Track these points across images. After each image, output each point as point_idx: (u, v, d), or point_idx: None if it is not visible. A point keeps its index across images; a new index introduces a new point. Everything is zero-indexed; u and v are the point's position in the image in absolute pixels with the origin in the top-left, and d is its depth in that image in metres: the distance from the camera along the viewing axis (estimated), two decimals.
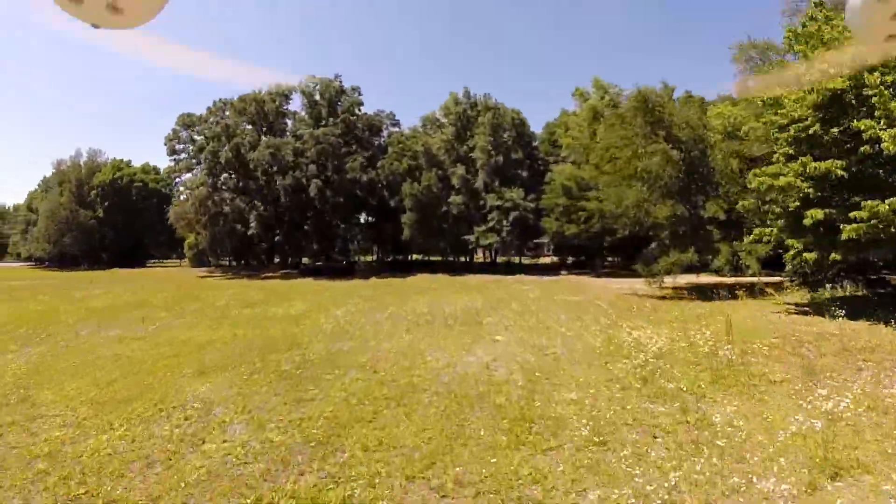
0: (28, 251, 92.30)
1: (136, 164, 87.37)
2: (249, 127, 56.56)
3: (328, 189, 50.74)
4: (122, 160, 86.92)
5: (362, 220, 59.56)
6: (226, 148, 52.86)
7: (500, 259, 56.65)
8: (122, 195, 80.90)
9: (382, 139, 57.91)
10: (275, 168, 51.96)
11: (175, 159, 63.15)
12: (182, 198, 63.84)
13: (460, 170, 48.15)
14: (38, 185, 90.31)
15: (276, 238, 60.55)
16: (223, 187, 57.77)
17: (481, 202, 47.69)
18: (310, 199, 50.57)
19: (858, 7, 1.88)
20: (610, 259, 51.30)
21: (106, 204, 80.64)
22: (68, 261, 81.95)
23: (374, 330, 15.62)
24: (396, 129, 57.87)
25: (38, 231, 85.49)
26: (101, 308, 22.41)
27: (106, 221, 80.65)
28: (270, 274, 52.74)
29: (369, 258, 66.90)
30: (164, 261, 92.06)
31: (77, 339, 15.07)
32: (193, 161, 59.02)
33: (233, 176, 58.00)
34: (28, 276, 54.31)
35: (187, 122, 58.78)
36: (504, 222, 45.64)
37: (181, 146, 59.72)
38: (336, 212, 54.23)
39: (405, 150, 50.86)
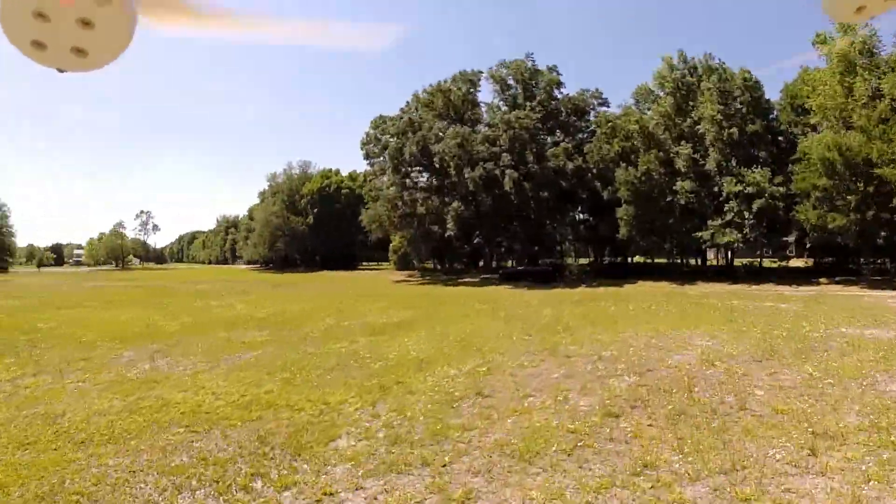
0: (248, 255, 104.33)
1: (345, 172, 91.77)
2: (443, 123, 53.60)
3: (527, 181, 45.87)
4: (329, 169, 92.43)
5: (577, 218, 54.05)
6: (409, 143, 50.44)
7: (736, 261, 47.02)
8: (329, 202, 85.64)
9: (589, 122, 51.68)
10: (464, 161, 48.25)
11: (371, 163, 62.82)
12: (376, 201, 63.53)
13: (685, 149, 39.64)
14: (258, 197, 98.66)
15: (477, 240, 57.67)
16: (413, 186, 55.82)
17: (714, 188, 38.95)
18: (506, 194, 46.12)
19: None
20: (876, 262, 40.25)
21: (315, 211, 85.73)
22: (286, 263, 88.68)
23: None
24: (605, 109, 50.94)
25: (255, 237, 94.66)
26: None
27: (316, 227, 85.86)
28: (469, 279, 49.47)
29: (584, 261, 61.21)
30: (373, 264, 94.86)
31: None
32: (382, 161, 57.65)
33: (423, 173, 55.87)
34: (237, 278, 57.06)
35: (379, 123, 57.61)
36: (746, 214, 36.41)
37: (376, 149, 58.83)
38: (540, 208, 49.34)
39: (616, 131, 43.56)
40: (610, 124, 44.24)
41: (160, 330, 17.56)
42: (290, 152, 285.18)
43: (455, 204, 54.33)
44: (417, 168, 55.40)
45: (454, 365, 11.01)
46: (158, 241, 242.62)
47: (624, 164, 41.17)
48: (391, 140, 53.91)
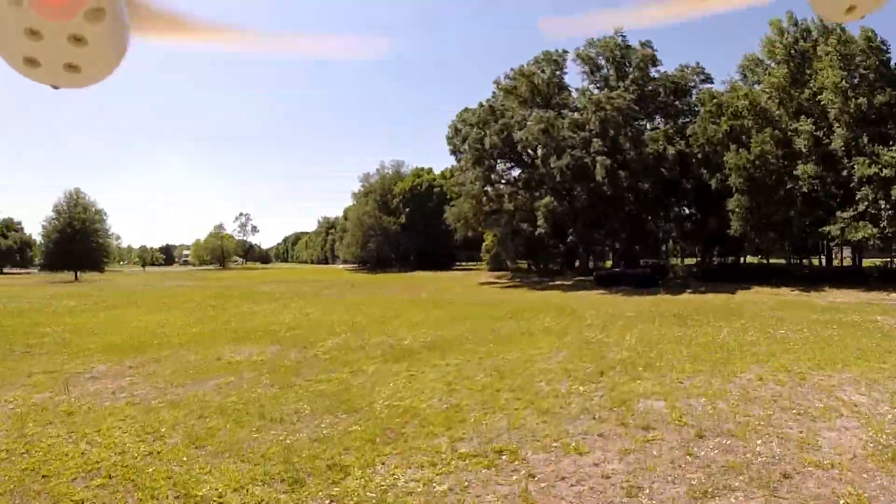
0: (343, 255, 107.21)
1: (438, 170, 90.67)
2: (528, 111, 50.01)
3: (622, 170, 41.49)
4: (421, 168, 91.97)
5: (681, 213, 48.81)
6: (490, 132, 47.12)
7: (865, 261, 40.06)
8: (421, 200, 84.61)
9: (691, 102, 46.33)
10: (550, 148, 44.40)
11: (457, 158, 60.25)
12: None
13: (805, 125, 33.38)
14: (352, 198, 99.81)
15: (570, 238, 53.64)
16: (499, 181, 52.60)
17: (843, 172, 32.44)
18: (598, 185, 41.92)
19: None
20: None
21: (407, 210, 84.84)
22: (381, 263, 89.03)
23: None
24: (709, 86, 45.19)
25: (348, 237, 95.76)
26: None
27: (408, 226, 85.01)
28: (561, 282, 45.67)
29: (690, 261, 55.54)
30: (472, 263, 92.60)
31: None
32: (466, 155, 54.65)
33: (508, 165, 52.55)
34: (325, 279, 56.00)
35: (464, 115, 54.73)
36: (882, 203, 29.84)
37: (458, 142, 56.06)
38: (639, 200, 44.75)
39: (722, 109, 37.89)
40: (715, 101, 38.65)
41: (165, 340, 16.42)
42: (388, 153, 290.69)
43: (546, 199, 50.71)
44: (502, 160, 52.09)
45: (454, 430, 7.46)
46: (265, 241, 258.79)
47: (734, 147, 35.64)
48: (471, 131, 50.78)
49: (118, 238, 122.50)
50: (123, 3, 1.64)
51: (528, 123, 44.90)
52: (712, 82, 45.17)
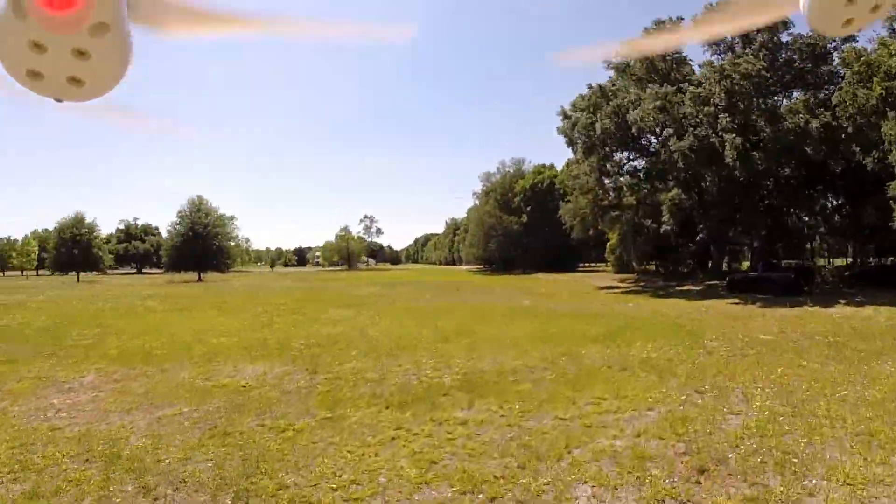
0: (465, 256, 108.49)
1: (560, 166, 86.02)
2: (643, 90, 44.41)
3: (757, 151, 35.14)
4: (542, 165, 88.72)
5: (830, 204, 41.31)
6: (601, 115, 42.00)
7: None
8: (542, 199, 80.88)
9: (833, 66, 38.40)
10: (669, 129, 38.78)
11: (573, 149, 55.49)
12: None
13: None
14: (473, 198, 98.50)
15: (700, 235, 47.29)
16: (617, 171, 47.27)
17: None
18: (728, 170, 35.78)
19: None
20: None
21: (528, 209, 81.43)
22: (505, 264, 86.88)
23: None
24: (854, 45, 37.06)
25: (469, 237, 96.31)
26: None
27: (530, 226, 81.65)
28: (690, 287, 40.00)
29: (840, 262, 47.13)
30: (601, 265, 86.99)
31: None
32: (577, 143, 49.43)
33: (626, 154, 47.09)
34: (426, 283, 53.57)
35: (575, 102, 49.78)
36: None
37: (568, 130, 51.17)
38: (778, 187, 38.13)
39: (873, 70, 30.49)
40: (863, 59, 31.12)
41: (184, 349, 15.20)
42: (515, 151, 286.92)
43: (673, 192, 45.05)
44: (619, 148, 46.64)
45: None
46: (398, 243, 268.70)
47: (893, 114, 28.35)
48: (581, 117, 45.78)
49: (248, 240, 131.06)
50: (126, 18, 1.63)
51: (643, 101, 39.47)
52: (856, 40, 37.21)
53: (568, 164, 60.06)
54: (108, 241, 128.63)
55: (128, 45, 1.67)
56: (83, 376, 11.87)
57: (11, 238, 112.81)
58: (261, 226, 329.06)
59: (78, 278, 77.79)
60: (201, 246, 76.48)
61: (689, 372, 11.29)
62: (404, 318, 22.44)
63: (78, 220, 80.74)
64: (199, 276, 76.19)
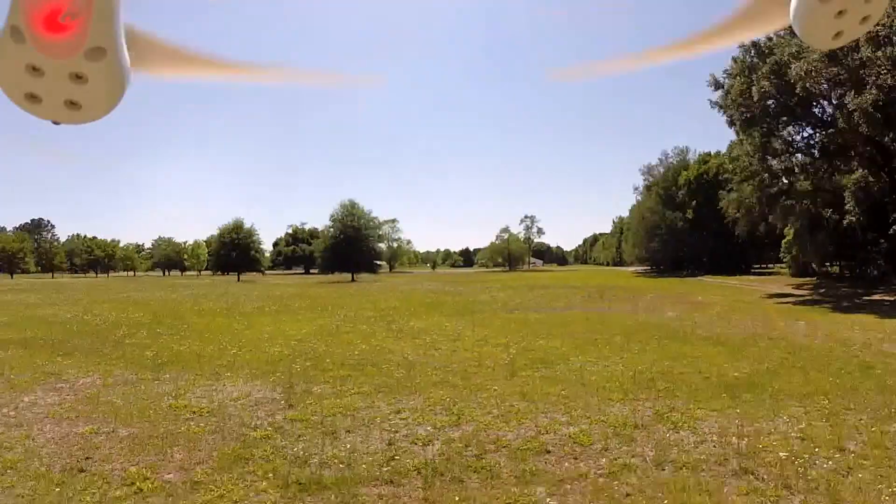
0: (627, 256, 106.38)
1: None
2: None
3: None
4: (707, 153, 78.76)
5: None
6: (758, 77, 33.66)
7: None
8: (708, 190, 69.95)
9: None
10: (843, 86, 30.05)
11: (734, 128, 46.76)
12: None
13: None
14: (633, 193, 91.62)
15: (894, 228, 37.10)
16: (785, 149, 38.29)
17: None
18: None
19: (803, 11, 1.94)
20: None
21: (694, 203, 72.54)
22: (676, 265, 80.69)
23: None
24: None
25: (631, 236, 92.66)
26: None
27: (696, 222, 73.51)
28: (881, 297, 31.07)
29: None
30: (777, 266, 74.98)
31: None
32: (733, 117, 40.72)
33: (792, 127, 38.02)
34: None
35: (727, 68, 41.29)
36: None
37: (721, 100, 42.72)
38: None
39: None
40: None
41: (204, 357, 13.55)
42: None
43: (858, 173, 36.00)
44: (784, 118, 37.75)
45: None
46: (567, 243, 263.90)
47: None
48: (734, 82, 37.56)
49: (409, 242, 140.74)
50: (124, 42, 1.66)
51: (806, 52, 30.73)
52: None
53: (730, 146, 51.24)
54: (277, 243, 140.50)
55: (124, 70, 1.69)
56: (79, 377, 11.39)
57: (186, 242, 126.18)
58: (430, 227, 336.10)
59: (238, 278, 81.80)
60: (353, 248, 77.20)
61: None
62: (500, 333, 17.49)
63: (237, 226, 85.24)
64: (353, 277, 76.79)
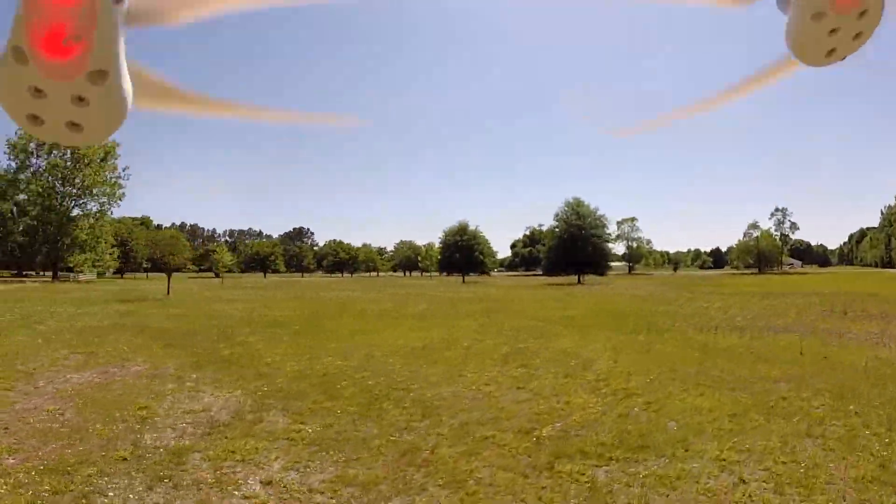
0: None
1: None
2: None
3: None
4: None
5: None
6: None
7: None
8: None
9: None
10: None
11: None
12: None
13: None
14: None
15: None
16: None
17: None
18: None
19: (796, 29, 1.97)
20: None
21: None
22: None
23: None
24: None
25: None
26: None
27: None
28: None
29: None
30: None
31: None
32: None
33: None
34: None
35: None
36: None
37: None
38: None
39: None
40: None
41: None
42: None
43: None
44: None
45: None
46: (831, 240, 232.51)
47: None
48: None
49: (648, 242, 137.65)
50: (125, 66, 1.67)
51: None
52: None
53: None
54: (514, 244, 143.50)
55: (126, 93, 1.70)
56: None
57: (419, 244, 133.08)
58: (681, 225, 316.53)
59: (463, 279, 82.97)
60: (578, 248, 74.64)
61: None
62: (644, 368, 12.03)
63: (461, 228, 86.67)
64: (579, 279, 73.68)
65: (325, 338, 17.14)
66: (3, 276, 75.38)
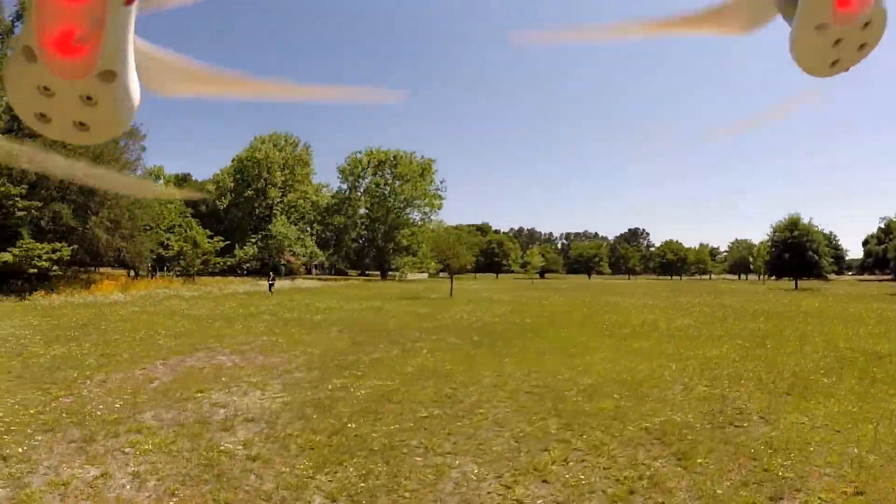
0: None
1: None
2: None
3: None
4: None
5: None
6: None
7: None
8: None
9: None
10: None
11: None
12: None
13: None
14: None
15: None
16: None
17: None
18: None
19: (800, 40, 1.94)
20: None
21: None
22: None
23: None
24: None
25: None
26: None
27: None
28: None
29: None
30: None
31: None
32: None
33: None
34: None
35: None
36: None
37: None
38: None
39: None
40: None
41: None
42: None
43: None
44: None
45: None
46: None
47: None
48: None
49: None
50: (134, 66, 1.66)
51: None
52: None
53: None
54: (866, 241, 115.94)
55: (134, 94, 1.69)
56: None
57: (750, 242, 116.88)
58: None
59: (796, 285, 71.71)
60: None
61: None
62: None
63: (792, 223, 72.97)
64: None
65: (511, 351, 14.09)
66: (344, 277, 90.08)
